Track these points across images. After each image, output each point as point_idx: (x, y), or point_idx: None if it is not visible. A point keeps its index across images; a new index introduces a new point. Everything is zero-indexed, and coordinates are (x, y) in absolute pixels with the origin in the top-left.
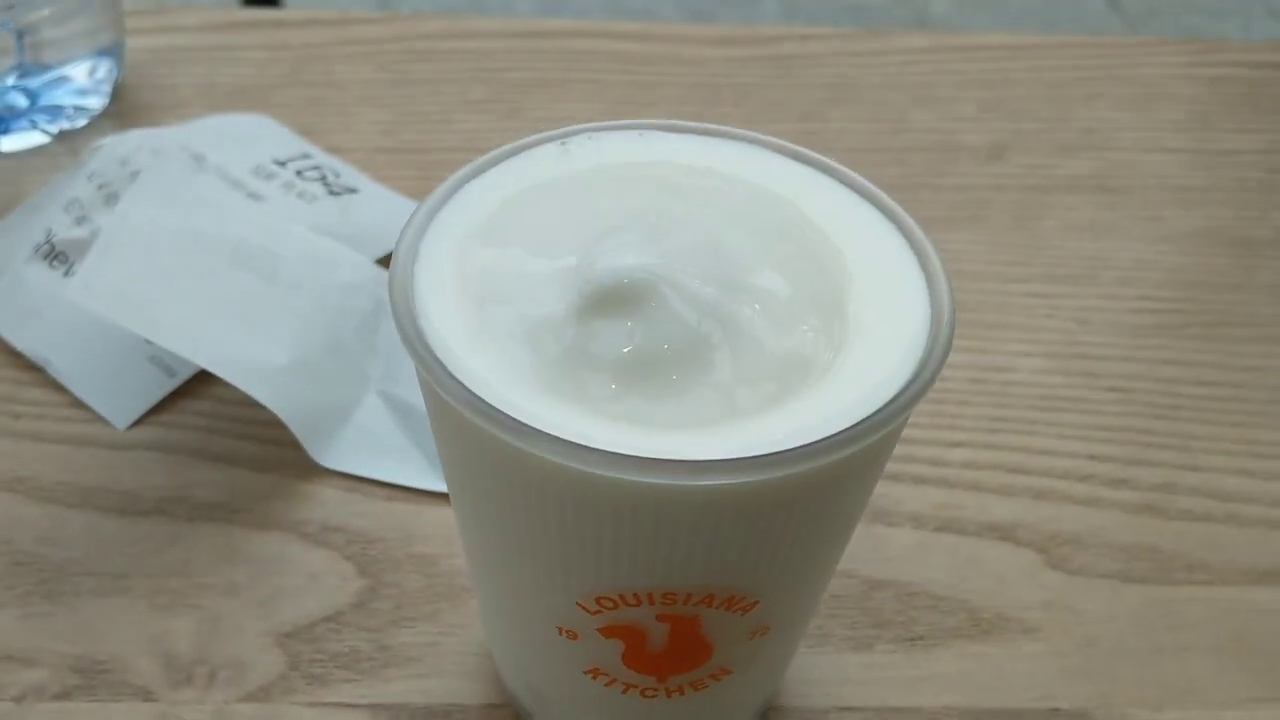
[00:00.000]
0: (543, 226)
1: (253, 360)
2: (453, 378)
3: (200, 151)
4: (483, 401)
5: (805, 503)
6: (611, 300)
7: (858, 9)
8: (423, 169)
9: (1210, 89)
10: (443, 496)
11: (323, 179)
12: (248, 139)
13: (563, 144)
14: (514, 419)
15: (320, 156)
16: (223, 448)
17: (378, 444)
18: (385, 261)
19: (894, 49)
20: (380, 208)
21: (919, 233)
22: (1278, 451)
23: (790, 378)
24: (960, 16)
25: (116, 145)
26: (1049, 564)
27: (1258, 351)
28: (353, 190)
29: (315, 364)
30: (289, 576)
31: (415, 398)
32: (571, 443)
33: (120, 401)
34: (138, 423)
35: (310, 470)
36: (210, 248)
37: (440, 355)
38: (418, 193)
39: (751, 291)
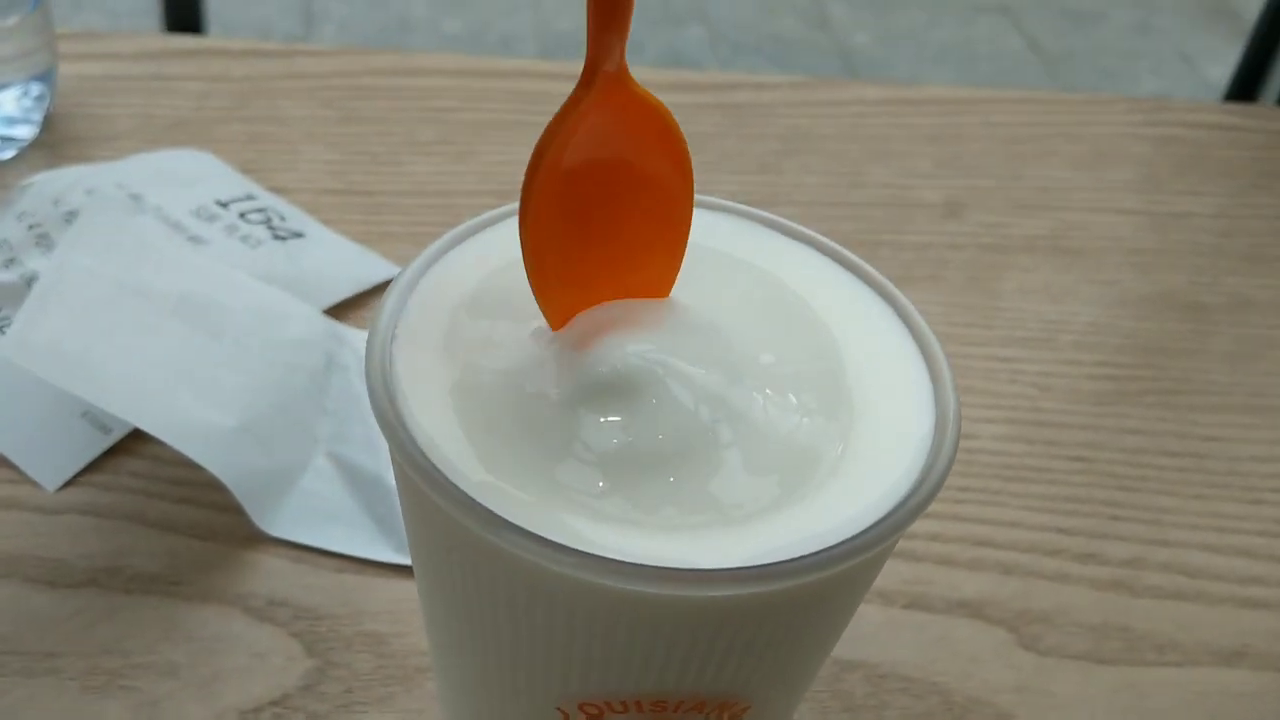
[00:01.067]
0: (529, 303)
1: (196, 422)
2: (437, 470)
3: (138, 191)
4: (474, 502)
5: (811, 607)
6: (608, 391)
7: (780, 39)
8: (371, 212)
9: (1159, 150)
10: (395, 568)
11: (267, 222)
12: (188, 178)
13: None
14: (508, 521)
15: (264, 197)
16: (161, 512)
17: (326, 510)
18: (334, 312)
19: (847, 99)
20: (328, 253)
21: (919, 319)
22: (1240, 526)
23: (795, 477)
24: (881, 49)
25: (49, 183)
26: (1020, 643)
27: (1217, 421)
28: (299, 234)
29: (262, 425)
30: (232, 655)
31: (366, 460)
32: (573, 550)
33: (50, 461)
34: (69, 484)
35: (255, 538)
36: (152, 300)
37: (422, 444)
38: (366, 237)
39: (754, 379)
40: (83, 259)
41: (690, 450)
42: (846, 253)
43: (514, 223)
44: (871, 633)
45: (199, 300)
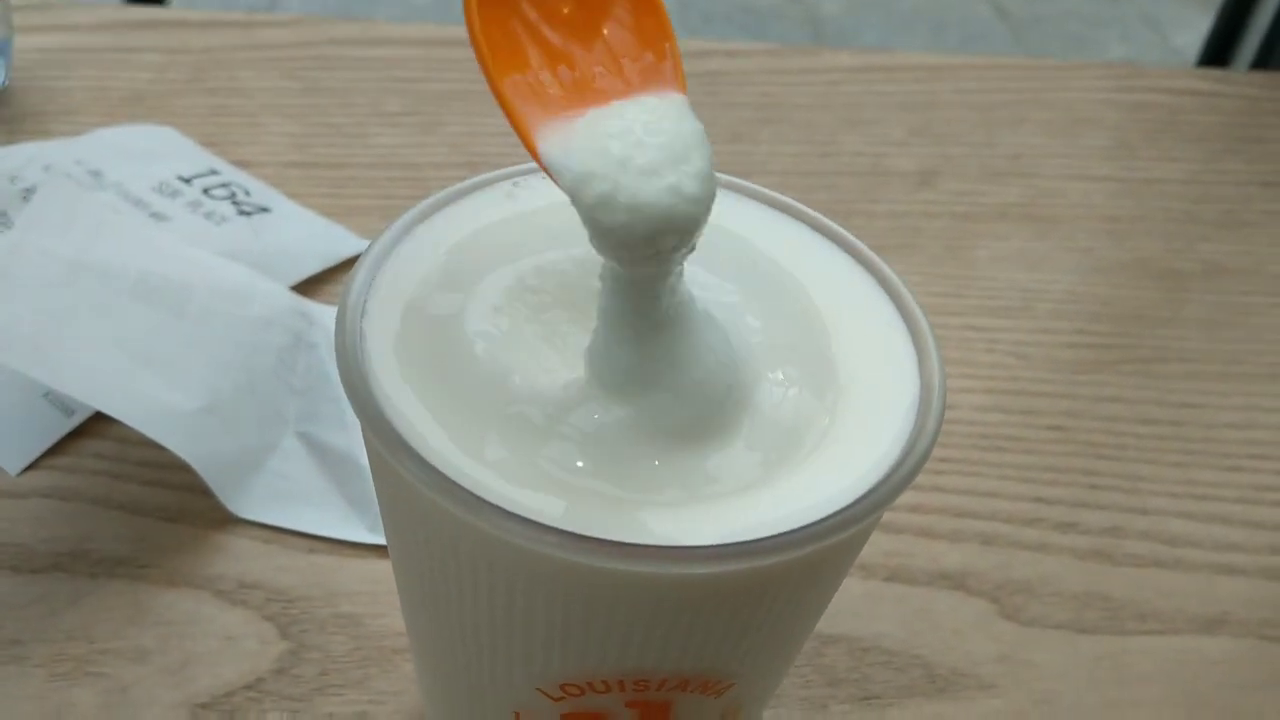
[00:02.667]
0: (501, 276)
1: (160, 404)
2: (413, 451)
3: (97, 167)
4: (450, 480)
5: (796, 584)
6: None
7: (749, 7)
8: (337, 185)
9: (1132, 116)
10: (368, 548)
11: (232, 197)
12: (149, 153)
13: (514, 185)
14: (485, 501)
15: (228, 172)
16: (127, 495)
17: (296, 490)
18: (301, 288)
19: (820, 67)
20: (294, 228)
21: (903, 289)
22: (1216, 493)
23: (780, 453)
24: (850, 17)
25: (5, 159)
26: (1002, 614)
27: (1192, 389)
28: (264, 209)
29: (228, 406)
30: (203, 640)
31: (336, 438)
32: (553, 529)
33: (12, 444)
34: (31, 467)
35: (224, 520)
36: (111, 280)
37: (395, 422)
38: (333, 211)
39: (739, 353)
40: (39, 238)
41: (674, 426)
42: (827, 221)
43: (486, 194)
44: (853, 605)
45: (160, 279)
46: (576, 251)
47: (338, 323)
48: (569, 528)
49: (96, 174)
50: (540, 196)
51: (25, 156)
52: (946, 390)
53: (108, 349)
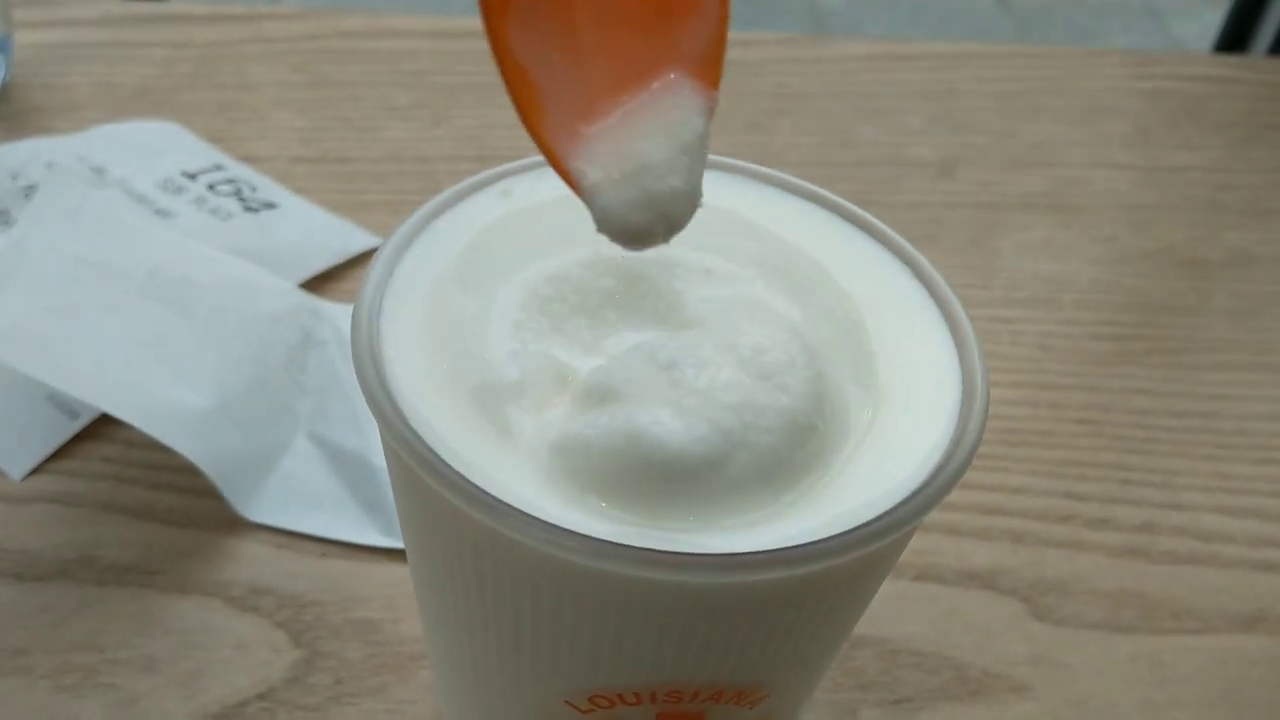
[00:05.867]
0: (518, 271)
1: (168, 404)
2: (435, 455)
3: (100, 163)
4: (477, 488)
5: (834, 591)
6: (615, 397)
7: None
8: (346, 180)
9: (1152, 103)
10: (384, 552)
11: (238, 193)
12: (153, 149)
13: (504, 193)
14: (516, 509)
15: (234, 167)
16: (134, 499)
17: (309, 493)
18: (310, 285)
19: (835, 56)
20: (301, 224)
21: (940, 282)
22: (1250, 486)
23: (818, 455)
24: (853, 11)
25: (6, 157)
26: (1034, 614)
27: (1222, 380)
28: (271, 205)
29: (237, 406)
30: (214, 648)
31: (349, 439)
32: (586, 537)
33: (15, 447)
34: (36, 471)
35: (234, 524)
36: (118, 277)
37: (417, 427)
38: (340, 206)
39: (775, 367)
40: (43, 235)
41: (709, 453)
42: (857, 210)
43: (498, 188)
44: (881, 606)
45: (167, 276)
46: (582, 254)
47: (354, 321)
48: (600, 535)
49: (99, 170)
50: (533, 195)
51: (27, 153)
52: (989, 388)
53: (113, 348)
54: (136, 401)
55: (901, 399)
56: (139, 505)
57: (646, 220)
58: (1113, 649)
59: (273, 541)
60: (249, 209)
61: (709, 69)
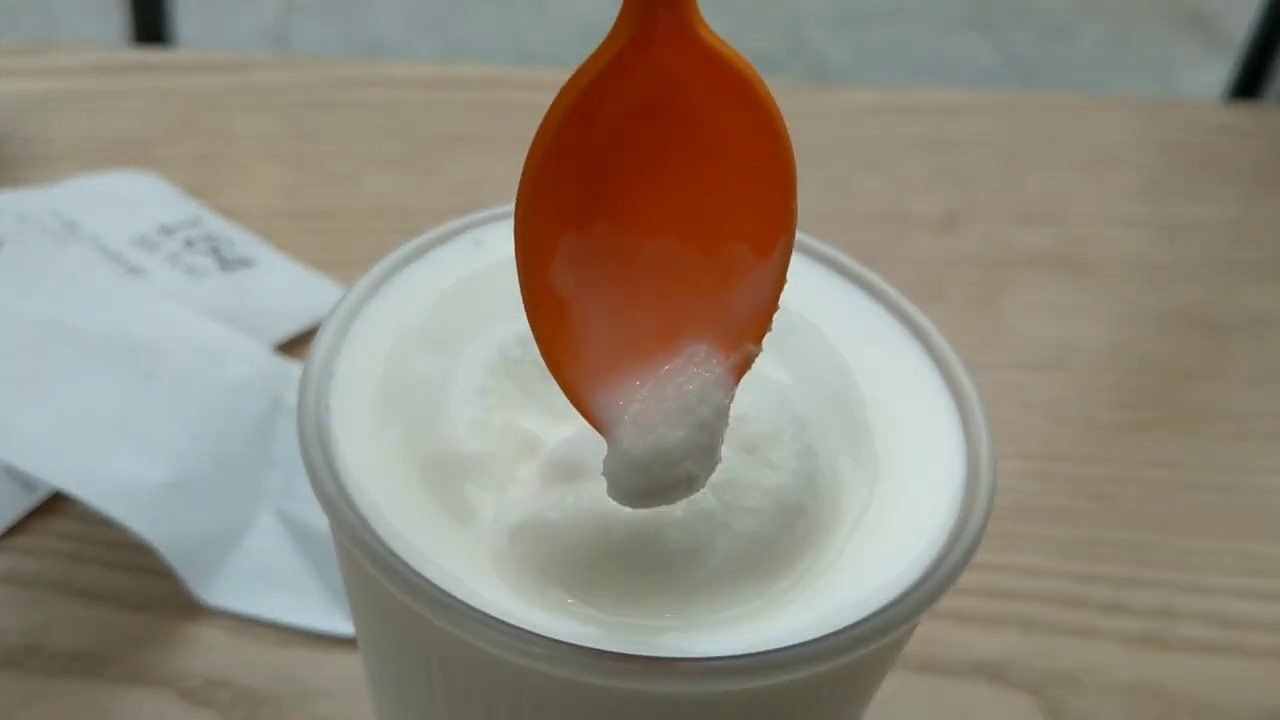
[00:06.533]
0: (481, 349)
1: (123, 481)
2: (387, 550)
3: (73, 217)
4: (433, 587)
5: (832, 693)
6: (583, 473)
7: (756, 55)
8: (329, 236)
9: (1163, 154)
10: (348, 641)
11: (214, 250)
12: (129, 202)
13: (476, 243)
14: (485, 616)
15: (212, 221)
16: (90, 579)
17: (271, 575)
18: (285, 347)
19: (838, 106)
20: (279, 282)
21: (941, 342)
22: (1274, 566)
23: (807, 550)
24: (857, 65)
25: None
26: (1046, 710)
27: (1243, 450)
28: (248, 263)
29: (199, 482)
30: None
31: (317, 517)
32: (552, 642)
33: None
34: None
35: (192, 608)
36: (80, 342)
37: (369, 517)
38: (321, 262)
39: (759, 439)
40: (4, 298)
41: (692, 540)
42: (853, 264)
43: (468, 238)
44: (880, 701)
45: (131, 340)
46: None
47: (300, 397)
48: (564, 638)
49: (72, 225)
50: (506, 245)
51: None
52: (997, 464)
53: (70, 419)
54: (91, 476)
55: (900, 476)
56: (93, 587)
57: (652, 503)
58: None
59: (231, 628)
60: (225, 267)
61: (752, 331)
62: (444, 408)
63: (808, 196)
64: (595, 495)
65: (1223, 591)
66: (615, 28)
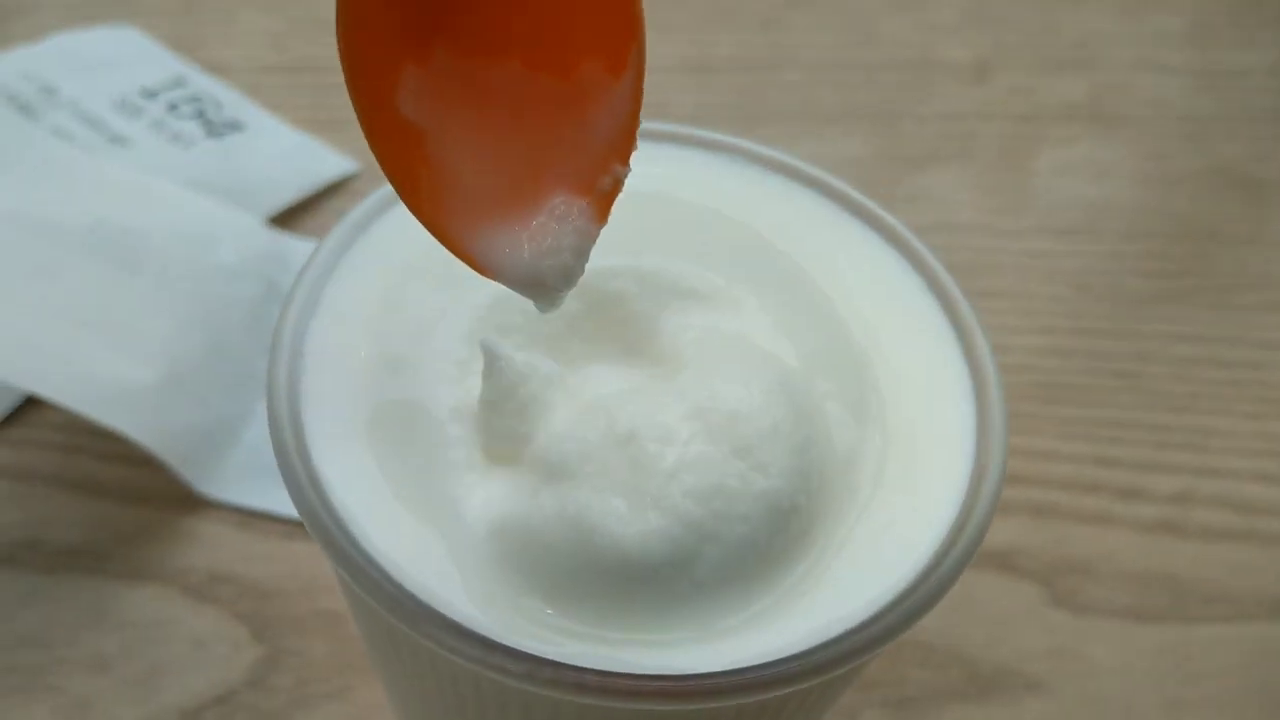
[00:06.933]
0: (457, 320)
1: (111, 380)
2: (365, 556)
3: (51, 81)
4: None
5: (815, 695)
6: (567, 474)
7: None
8: (320, 93)
9: None
10: None
11: (200, 114)
12: (110, 61)
13: None
14: (460, 630)
15: (198, 81)
16: (85, 472)
17: (273, 467)
18: (279, 220)
19: None
20: (269, 148)
21: (959, 297)
22: None
23: (801, 550)
24: None
25: None
26: (1053, 600)
27: (1275, 323)
28: (236, 126)
29: (191, 374)
30: (170, 644)
31: None
32: (527, 659)
33: None
34: None
35: (193, 500)
36: (59, 235)
37: (346, 519)
38: (315, 124)
39: (753, 438)
40: None
41: (678, 557)
42: (863, 199)
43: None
44: None
45: (115, 227)
46: None
47: (270, 384)
48: (542, 653)
49: (50, 90)
50: None
51: None
52: (1007, 456)
53: (49, 319)
54: (72, 379)
55: (904, 464)
56: (90, 480)
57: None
58: (1137, 640)
59: (234, 521)
60: (212, 133)
61: (619, 153)
62: (425, 387)
63: (829, 42)
64: (581, 501)
65: (1242, 475)
66: None
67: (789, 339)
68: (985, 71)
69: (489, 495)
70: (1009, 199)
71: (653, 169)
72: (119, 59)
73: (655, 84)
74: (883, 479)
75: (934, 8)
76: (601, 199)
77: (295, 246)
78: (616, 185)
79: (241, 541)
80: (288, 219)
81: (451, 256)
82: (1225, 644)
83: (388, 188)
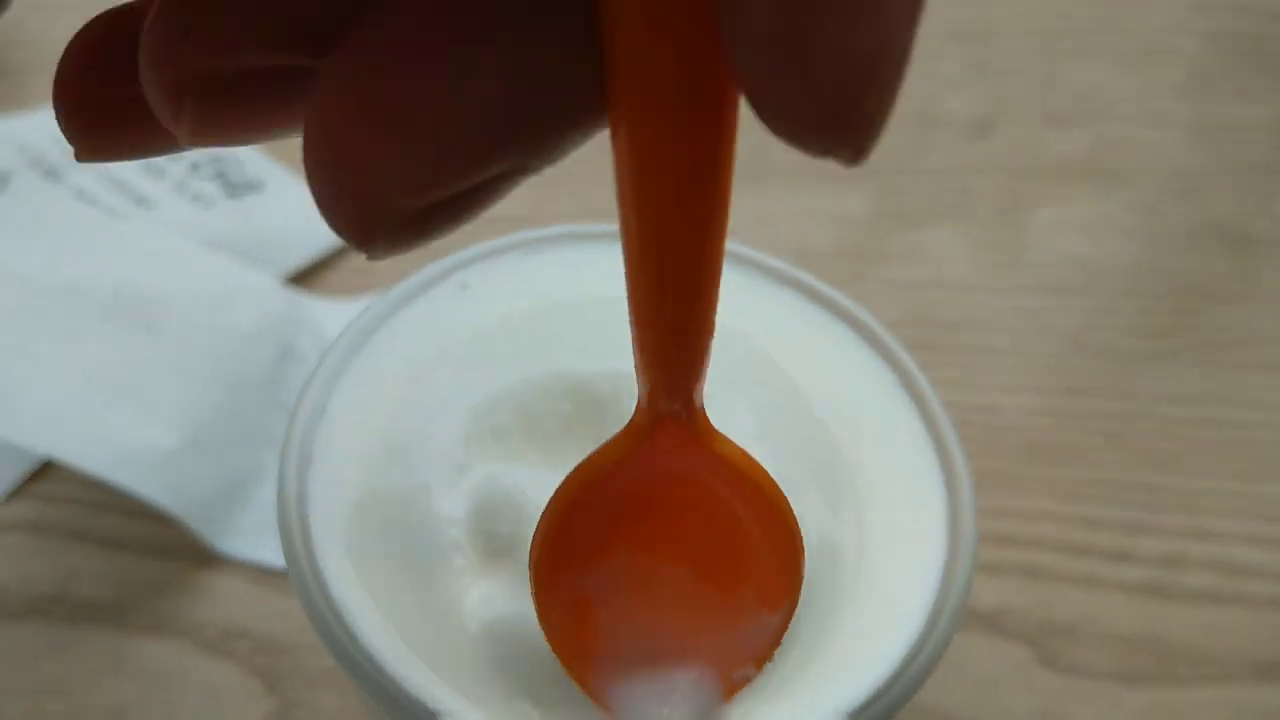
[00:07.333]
0: (456, 420)
1: (130, 445)
2: (361, 651)
3: None
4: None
5: None
6: None
7: None
8: None
9: (1211, 44)
10: None
11: (221, 174)
12: None
13: (463, 286)
14: None
15: None
16: (109, 527)
17: None
18: (295, 279)
19: None
20: (288, 208)
21: (933, 400)
22: None
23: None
24: None
25: None
26: (1041, 660)
27: (1264, 383)
28: (256, 186)
29: (207, 437)
30: (186, 694)
31: None
32: None
33: None
34: (11, 496)
35: (210, 557)
36: (81, 300)
37: (345, 611)
38: None
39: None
40: (2, 256)
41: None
42: (838, 297)
43: (454, 280)
44: None
45: (136, 292)
46: (532, 374)
47: (281, 470)
48: None
49: None
50: (492, 288)
51: (2, 136)
52: (975, 563)
53: (71, 385)
54: (90, 445)
55: (872, 572)
56: (114, 535)
57: None
58: (1124, 703)
59: (249, 577)
60: (231, 193)
61: (754, 659)
62: (423, 485)
63: None
64: None
65: (1231, 537)
66: (628, 429)
67: (769, 440)
68: (986, 126)
69: (484, 596)
70: (1004, 255)
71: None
72: None
73: None
74: (859, 576)
75: (936, 60)
76: (730, 686)
77: (311, 305)
78: (745, 681)
79: (256, 597)
80: (304, 277)
81: (458, 358)
82: (1211, 707)
83: (388, 296)
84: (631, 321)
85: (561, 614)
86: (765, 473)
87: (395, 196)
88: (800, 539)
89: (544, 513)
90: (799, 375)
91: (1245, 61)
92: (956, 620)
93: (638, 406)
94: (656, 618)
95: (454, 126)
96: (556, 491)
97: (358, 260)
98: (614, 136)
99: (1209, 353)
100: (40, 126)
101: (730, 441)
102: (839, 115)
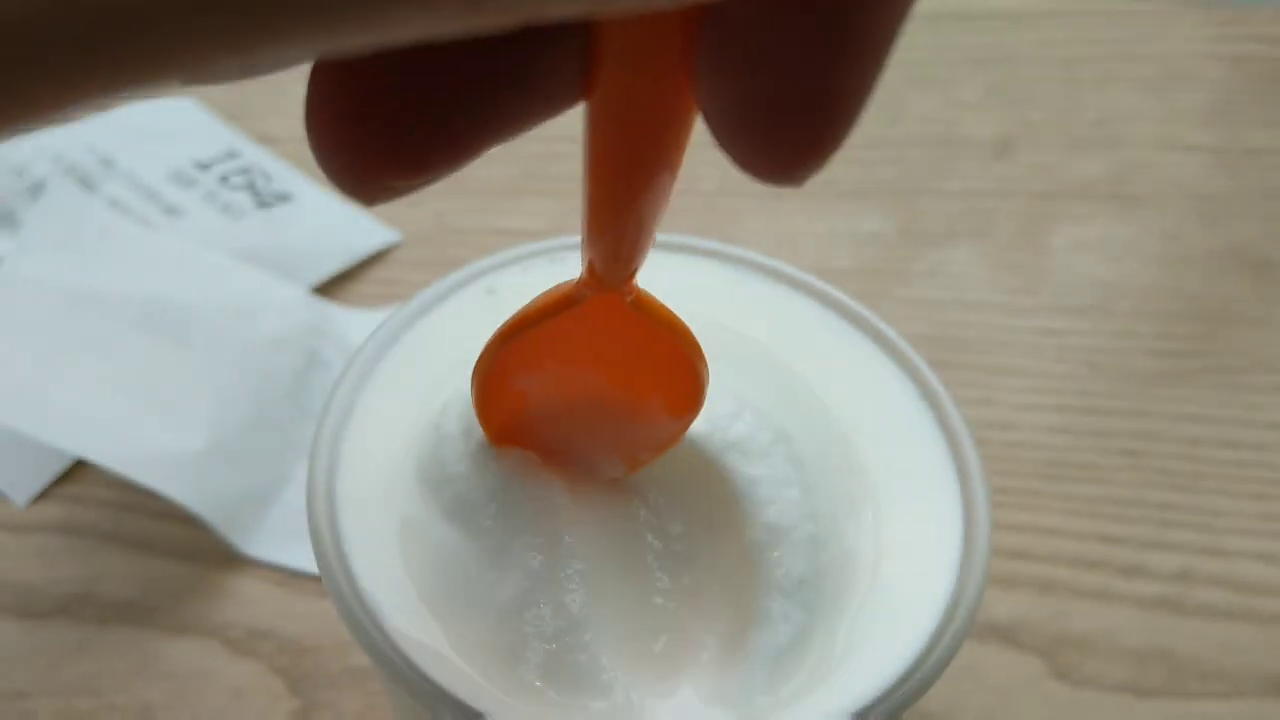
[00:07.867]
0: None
1: (159, 448)
2: (418, 670)
3: (109, 153)
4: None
5: None
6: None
7: None
8: None
9: (1234, 70)
10: None
11: (250, 185)
12: (165, 134)
13: (489, 292)
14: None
15: (250, 153)
16: (136, 530)
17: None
18: (322, 289)
19: None
20: (316, 219)
21: (951, 409)
22: None
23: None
24: None
25: (11, 151)
26: (1054, 673)
27: None
28: (285, 198)
29: (234, 442)
30: (211, 694)
31: None
32: None
33: (19, 473)
34: (40, 497)
35: (235, 559)
36: (113, 310)
37: (386, 629)
38: None
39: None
40: (33, 268)
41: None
42: (860, 309)
43: (481, 285)
44: None
45: (165, 304)
46: None
47: (309, 480)
48: None
49: (109, 161)
50: (519, 292)
51: (33, 146)
52: (988, 573)
53: (103, 392)
54: (121, 447)
55: (888, 579)
56: (140, 537)
57: None
58: (1135, 714)
59: (274, 579)
60: (261, 204)
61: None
62: (448, 494)
63: None
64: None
65: (1244, 555)
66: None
67: (789, 448)
68: (1007, 148)
69: (518, 588)
70: (1023, 278)
71: (657, 276)
72: (175, 129)
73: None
74: (875, 583)
75: (958, 86)
76: (633, 464)
77: (337, 315)
78: (645, 463)
79: (280, 598)
80: (331, 287)
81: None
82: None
83: (416, 300)
84: (583, 204)
85: (498, 409)
86: (680, 321)
87: (392, 180)
88: (704, 369)
89: (488, 342)
90: (819, 385)
91: (1267, 88)
92: (966, 627)
93: (579, 278)
94: (576, 412)
95: (447, 125)
96: (502, 325)
97: (385, 271)
98: (587, 109)
99: (1227, 375)
100: (79, 136)
101: (658, 302)
102: (793, 165)
